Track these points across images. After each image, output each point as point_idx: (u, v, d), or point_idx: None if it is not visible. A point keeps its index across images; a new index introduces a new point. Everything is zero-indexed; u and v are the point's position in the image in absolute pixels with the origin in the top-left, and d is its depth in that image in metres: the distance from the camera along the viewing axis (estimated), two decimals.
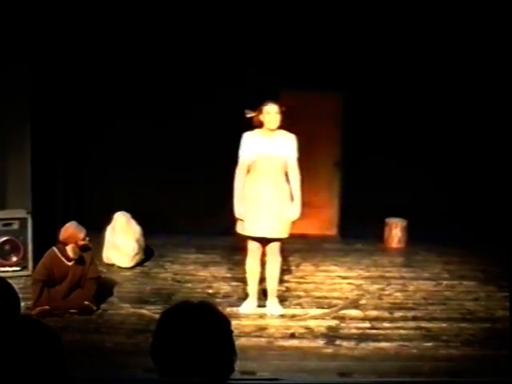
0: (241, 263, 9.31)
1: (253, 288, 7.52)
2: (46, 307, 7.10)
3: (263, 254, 7.43)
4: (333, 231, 11.40)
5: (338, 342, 6.66)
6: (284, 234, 7.26)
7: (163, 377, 2.22)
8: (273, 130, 7.14)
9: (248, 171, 7.23)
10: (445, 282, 8.80)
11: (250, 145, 7.16)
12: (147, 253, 9.48)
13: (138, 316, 7.28)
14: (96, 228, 9.70)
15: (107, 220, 9.39)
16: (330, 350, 6.48)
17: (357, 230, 10.90)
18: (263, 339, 6.65)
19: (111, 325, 7.02)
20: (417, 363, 6.16)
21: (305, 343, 6.64)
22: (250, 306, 7.44)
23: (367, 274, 9.13)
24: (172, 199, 10.74)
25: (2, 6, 8.29)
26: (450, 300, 8.08)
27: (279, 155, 7.12)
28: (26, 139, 8.97)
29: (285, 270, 9.05)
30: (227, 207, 9.79)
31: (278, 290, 7.78)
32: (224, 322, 2.31)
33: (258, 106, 7.20)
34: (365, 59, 10.38)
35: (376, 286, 8.55)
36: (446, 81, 10.36)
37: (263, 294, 7.66)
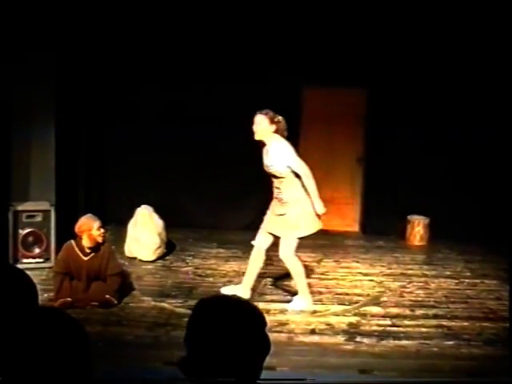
0: None
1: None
2: (68, 299, 7.13)
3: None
4: (355, 228, 11.38)
5: (358, 338, 6.64)
6: (284, 235, 7.33)
7: (193, 363, 2.22)
8: (264, 142, 7.30)
9: None
10: (467, 281, 8.75)
11: None
12: (169, 247, 9.51)
13: (159, 309, 7.30)
14: (118, 222, 9.80)
15: (130, 214, 9.43)
16: (350, 347, 6.46)
17: (379, 227, 10.90)
18: (283, 334, 6.64)
19: (132, 318, 7.04)
20: (438, 362, 6.13)
21: (325, 339, 6.62)
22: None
23: (389, 271, 9.11)
24: (194, 194, 10.76)
25: None
26: (472, 298, 8.03)
27: (268, 167, 7.27)
28: (50, 132, 9.02)
29: (306, 266, 9.05)
30: (249, 202, 9.83)
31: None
32: (260, 318, 2.31)
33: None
34: (388, 55, 10.34)
35: (397, 284, 8.52)
36: (471, 78, 10.26)
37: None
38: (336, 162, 11.06)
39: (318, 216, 7.25)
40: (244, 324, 2.25)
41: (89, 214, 7.57)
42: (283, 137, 7.24)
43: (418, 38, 10.10)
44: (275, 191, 7.33)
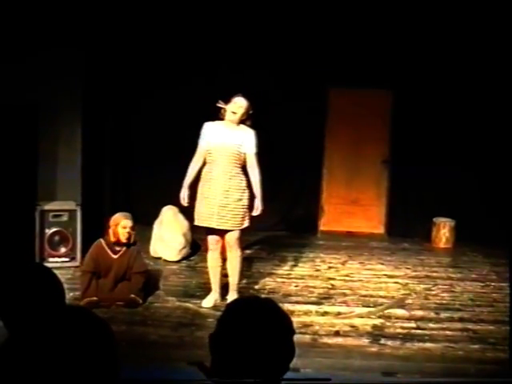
0: (286, 260, 9.34)
1: (214, 282, 7.49)
2: (94, 298, 7.18)
3: (223, 247, 7.42)
4: (380, 229, 11.33)
5: (382, 341, 6.61)
6: (235, 227, 7.18)
7: (217, 366, 2.23)
8: (233, 122, 7.12)
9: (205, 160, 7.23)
10: (492, 284, 8.68)
11: (208, 133, 7.19)
12: (193, 247, 9.52)
13: (183, 310, 7.32)
14: (144, 222, 9.82)
15: (155, 214, 9.47)
16: (374, 349, 6.43)
17: (404, 229, 10.86)
18: (307, 336, 6.63)
19: (157, 317, 7.06)
20: (462, 365, 6.09)
21: (349, 341, 6.60)
22: (211, 300, 7.40)
23: (414, 273, 9.06)
24: None
25: None
26: (498, 302, 7.95)
27: (232, 147, 7.07)
28: (77, 131, 9.08)
29: (331, 268, 9.06)
30: (274, 203, 9.79)
31: (324, 288, 7.76)
32: (289, 325, 2.32)
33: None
34: (415, 57, 10.29)
35: (422, 286, 8.47)
36: (498, 80, 10.17)
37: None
38: (361, 163, 11.04)
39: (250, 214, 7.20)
40: (273, 329, 2.25)
41: (124, 212, 7.60)
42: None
43: (445, 39, 10.05)
44: (223, 177, 7.08)
